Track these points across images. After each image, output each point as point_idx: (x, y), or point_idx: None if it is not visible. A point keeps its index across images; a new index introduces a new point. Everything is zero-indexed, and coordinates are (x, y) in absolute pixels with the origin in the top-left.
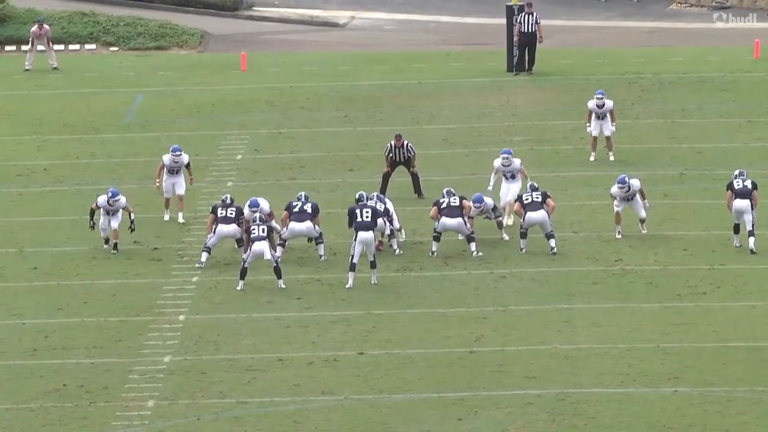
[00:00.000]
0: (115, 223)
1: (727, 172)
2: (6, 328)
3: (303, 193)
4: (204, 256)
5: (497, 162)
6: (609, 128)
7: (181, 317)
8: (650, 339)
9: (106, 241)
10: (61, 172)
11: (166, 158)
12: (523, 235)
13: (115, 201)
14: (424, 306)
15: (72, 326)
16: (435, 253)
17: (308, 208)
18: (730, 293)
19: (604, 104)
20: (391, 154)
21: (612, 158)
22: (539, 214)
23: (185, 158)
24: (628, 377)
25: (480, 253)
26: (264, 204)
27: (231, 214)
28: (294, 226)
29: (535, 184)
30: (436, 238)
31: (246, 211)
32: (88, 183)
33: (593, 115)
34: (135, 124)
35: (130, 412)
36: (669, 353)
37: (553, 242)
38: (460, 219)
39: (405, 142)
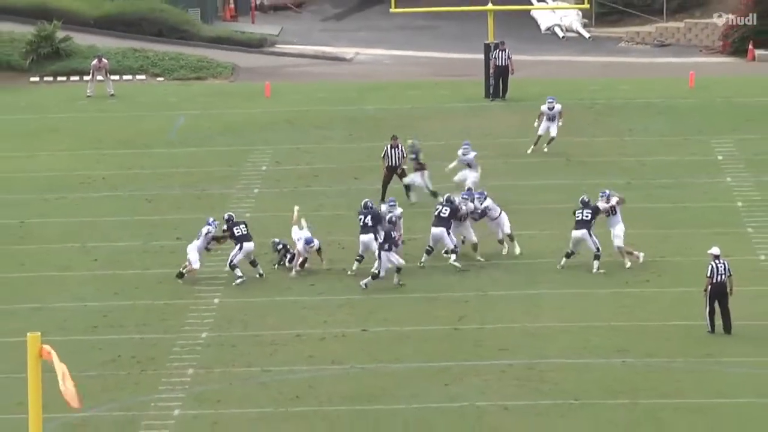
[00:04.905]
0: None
1: (667, 181)
2: (71, 309)
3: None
4: (238, 271)
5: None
6: (555, 130)
7: (216, 300)
8: (603, 318)
9: (181, 275)
10: (116, 181)
11: (383, 208)
12: (567, 255)
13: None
14: (417, 291)
15: (126, 308)
16: (423, 264)
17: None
18: (669, 281)
19: (554, 107)
20: (387, 159)
21: (546, 150)
22: (579, 233)
23: (399, 210)
24: (585, 350)
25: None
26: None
27: (245, 230)
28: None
29: (585, 198)
30: (427, 252)
31: (300, 246)
32: (138, 189)
33: (544, 117)
34: (178, 141)
35: (174, 378)
36: (619, 330)
37: (596, 264)
38: (442, 229)
39: (399, 144)
